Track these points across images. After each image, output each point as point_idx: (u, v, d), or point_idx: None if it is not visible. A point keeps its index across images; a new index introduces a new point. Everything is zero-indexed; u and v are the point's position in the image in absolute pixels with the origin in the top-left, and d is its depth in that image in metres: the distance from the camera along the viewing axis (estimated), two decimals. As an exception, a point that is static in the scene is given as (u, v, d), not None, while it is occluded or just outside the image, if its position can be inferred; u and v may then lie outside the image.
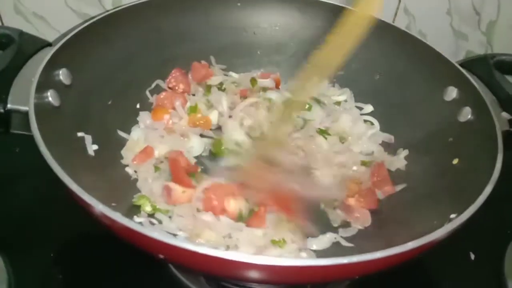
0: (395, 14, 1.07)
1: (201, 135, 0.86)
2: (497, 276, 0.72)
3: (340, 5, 0.96)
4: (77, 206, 0.54)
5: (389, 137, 0.88)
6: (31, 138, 0.58)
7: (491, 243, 0.78)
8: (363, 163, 0.83)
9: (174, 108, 0.88)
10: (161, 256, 0.50)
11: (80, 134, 0.71)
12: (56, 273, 0.68)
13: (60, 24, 1.05)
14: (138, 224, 0.47)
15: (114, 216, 0.47)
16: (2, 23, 1.03)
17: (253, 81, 0.95)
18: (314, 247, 0.70)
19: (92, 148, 0.72)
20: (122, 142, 0.80)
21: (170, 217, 0.71)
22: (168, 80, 0.92)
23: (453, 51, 1.13)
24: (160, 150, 0.80)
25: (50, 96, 0.67)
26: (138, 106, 0.87)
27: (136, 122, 0.85)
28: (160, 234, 0.46)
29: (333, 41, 0.66)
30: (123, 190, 0.74)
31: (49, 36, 1.04)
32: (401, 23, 1.07)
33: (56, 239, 0.72)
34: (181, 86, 0.92)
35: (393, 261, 0.50)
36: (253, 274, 0.47)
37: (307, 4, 0.97)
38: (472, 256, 0.76)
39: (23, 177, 0.80)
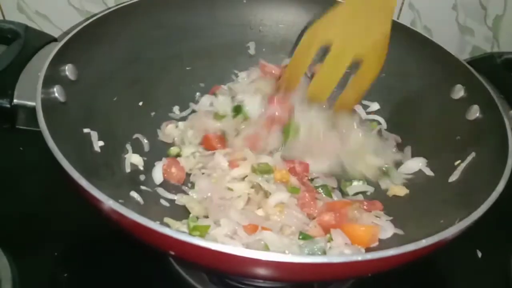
0: (400, 10, 1.06)
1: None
2: (504, 273, 0.72)
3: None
4: (81, 204, 0.54)
5: (395, 138, 0.87)
6: (36, 135, 0.57)
7: (498, 240, 0.78)
8: None
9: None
10: (172, 253, 0.49)
11: (86, 130, 0.70)
12: (61, 271, 0.68)
13: (63, 22, 1.04)
14: (150, 220, 0.46)
15: (126, 213, 0.46)
16: (6, 21, 1.02)
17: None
18: None
19: (98, 144, 0.71)
20: (128, 139, 0.79)
21: None
22: None
23: (458, 46, 1.13)
24: None
25: (56, 92, 0.66)
26: (140, 104, 0.85)
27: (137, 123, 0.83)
28: (172, 231, 0.45)
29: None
30: (129, 187, 0.73)
31: (52, 34, 1.03)
32: (406, 19, 1.07)
33: (60, 237, 0.72)
34: None
35: (406, 258, 0.50)
36: (267, 272, 0.46)
37: (312, 1, 0.97)
38: (479, 254, 0.76)
39: (28, 175, 0.80)
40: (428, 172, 0.78)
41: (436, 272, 0.74)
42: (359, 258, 0.44)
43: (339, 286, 0.69)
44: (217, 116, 0.86)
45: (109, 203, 0.48)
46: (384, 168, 0.82)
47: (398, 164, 0.83)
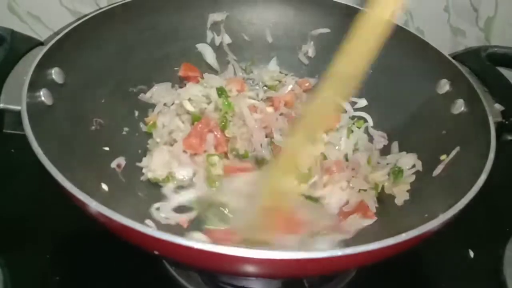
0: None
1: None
2: (496, 273, 0.72)
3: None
4: (71, 206, 0.54)
5: (381, 134, 0.88)
6: (24, 138, 0.57)
7: (490, 240, 0.78)
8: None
9: None
10: (156, 253, 0.50)
11: (73, 133, 0.71)
12: (53, 273, 0.68)
13: (55, 23, 1.04)
14: (133, 221, 0.47)
15: (109, 214, 0.47)
16: (-4, 23, 1.02)
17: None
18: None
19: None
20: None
21: None
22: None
23: (450, 48, 1.13)
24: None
25: (43, 95, 0.66)
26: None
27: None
28: (155, 231, 0.46)
29: (351, 48, 0.62)
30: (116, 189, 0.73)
31: (44, 35, 1.03)
32: (398, 21, 1.07)
33: (52, 239, 0.72)
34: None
35: (387, 252, 0.50)
36: (250, 268, 0.47)
37: (301, 1, 0.97)
38: (471, 254, 0.76)
39: (18, 177, 0.80)
40: (419, 167, 0.78)
41: (428, 272, 0.74)
42: (339, 253, 0.45)
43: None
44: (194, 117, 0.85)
45: (93, 205, 0.48)
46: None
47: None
